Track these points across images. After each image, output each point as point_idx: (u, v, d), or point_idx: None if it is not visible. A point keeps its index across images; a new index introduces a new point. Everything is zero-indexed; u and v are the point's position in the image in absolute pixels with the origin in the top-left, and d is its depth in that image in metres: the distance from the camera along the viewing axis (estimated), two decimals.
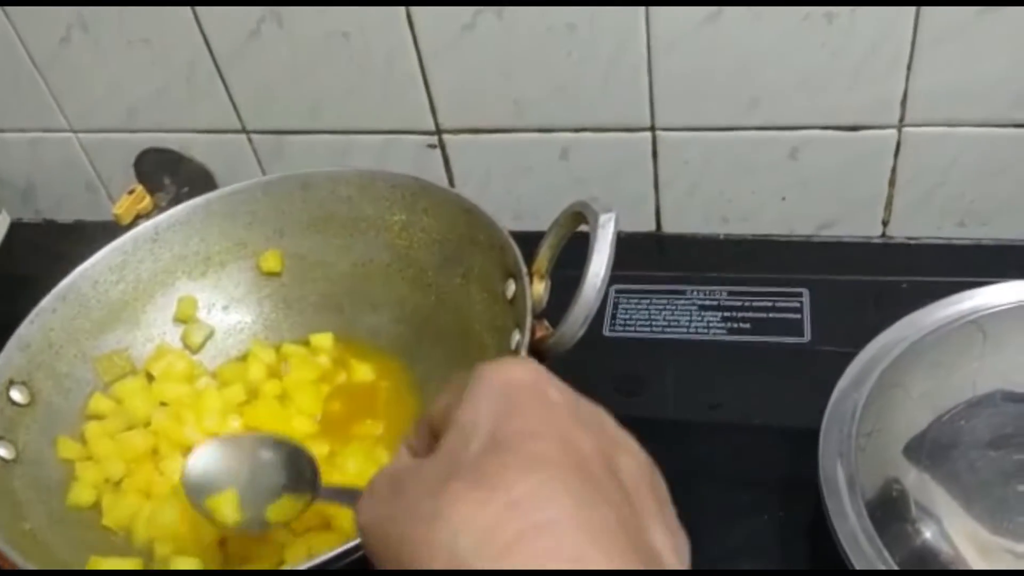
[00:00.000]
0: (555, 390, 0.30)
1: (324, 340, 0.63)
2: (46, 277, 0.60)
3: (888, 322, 0.58)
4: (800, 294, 0.68)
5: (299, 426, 0.58)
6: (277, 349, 0.63)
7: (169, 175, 0.82)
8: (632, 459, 0.30)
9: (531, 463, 0.27)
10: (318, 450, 0.54)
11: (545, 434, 0.28)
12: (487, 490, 0.26)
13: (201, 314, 0.63)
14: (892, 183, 0.69)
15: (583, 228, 0.51)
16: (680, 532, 0.31)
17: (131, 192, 0.79)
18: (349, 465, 0.55)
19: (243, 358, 0.64)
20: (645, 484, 0.30)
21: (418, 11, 0.67)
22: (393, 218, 0.62)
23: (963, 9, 0.59)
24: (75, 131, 0.82)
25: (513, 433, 0.28)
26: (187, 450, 0.55)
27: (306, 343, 0.63)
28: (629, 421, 0.62)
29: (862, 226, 0.72)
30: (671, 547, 0.29)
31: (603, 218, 0.48)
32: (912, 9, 0.60)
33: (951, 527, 0.50)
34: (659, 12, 0.63)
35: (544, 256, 0.53)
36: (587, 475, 0.27)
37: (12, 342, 0.55)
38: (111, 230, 0.66)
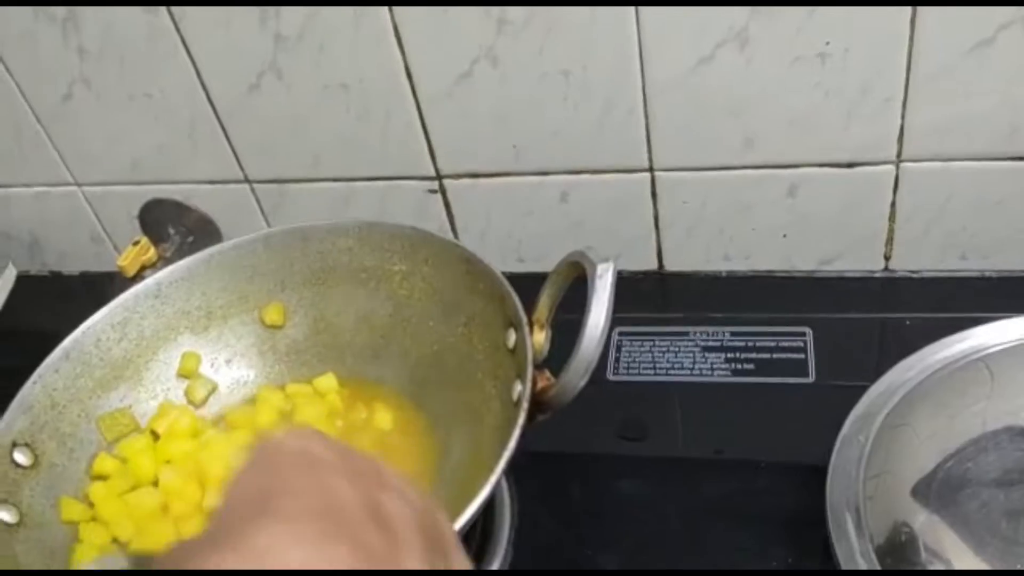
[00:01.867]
0: (323, 448, 0.33)
1: (327, 381, 0.63)
2: (53, 330, 0.60)
3: (893, 359, 0.58)
4: (804, 333, 0.68)
5: None
6: (283, 389, 0.64)
7: (173, 225, 0.82)
8: (403, 503, 0.33)
9: (280, 518, 0.30)
10: None
11: (302, 491, 0.31)
12: (241, 550, 0.29)
13: (204, 368, 0.63)
14: (892, 218, 0.69)
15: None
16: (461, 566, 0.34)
17: (136, 243, 0.79)
18: None
19: (251, 402, 0.64)
20: (413, 525, 0.32)
21: (416, 61, 0.67)
22: (394, 268, 0.62)
23: (955, 46, 0.60)
24: (80, 184, 0.83)
25: (271, 496, 0.31)
26: (199, 507, 0.55)
27: (309, 384, 0.63)
28: (635, 464, 0.62)
29: (864, 261, 0.72)
30: None
31: (601, 268, 0.48)
32: (905, 47, 0.60)
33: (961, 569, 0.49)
34: (653, 56, 0.64)
35: (544, 305, 0.53)
36: (339, 520, 0.31)
37: (15, 403, 0.55)
38: (117, 282, 0.67)
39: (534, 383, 0.50)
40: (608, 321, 0.48)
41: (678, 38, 0.62)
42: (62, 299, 0.82)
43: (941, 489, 0.51)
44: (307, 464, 0.33)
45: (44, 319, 0.64)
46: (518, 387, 0.50)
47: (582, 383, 0.49)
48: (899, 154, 0.66)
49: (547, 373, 0.51)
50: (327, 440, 0.34)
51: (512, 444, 0.47)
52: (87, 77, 0.74)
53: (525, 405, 0.48)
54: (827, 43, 0.61)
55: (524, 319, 0.52)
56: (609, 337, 0.70)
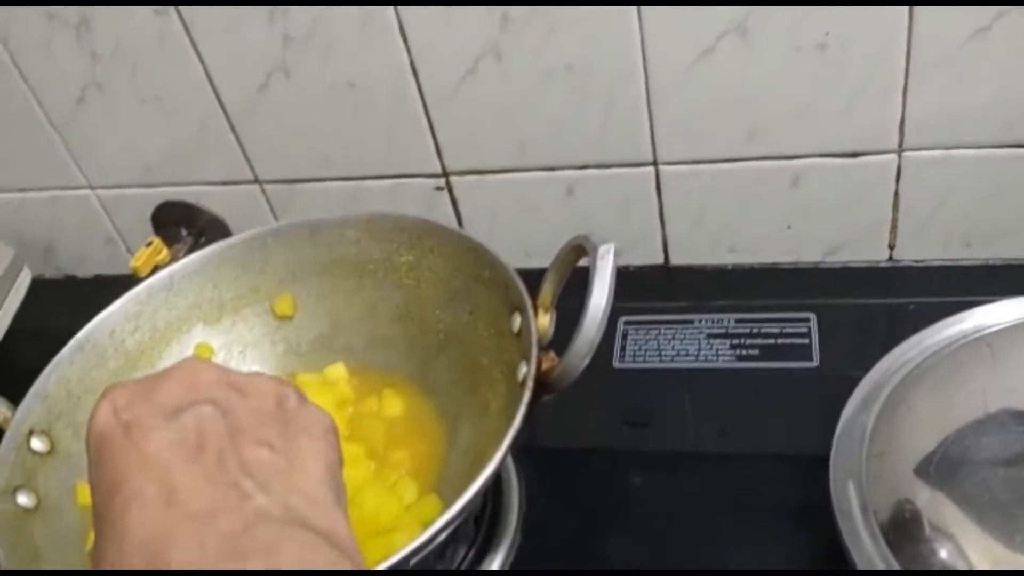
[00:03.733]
0: (125, 412, 0.34)
1: (337, 370, 0.64)
2: (68, 332, 0.61)
3: (896, 343, 0.58)
4: (808, 319, 0.68)
5: None
6: (293, 379, 0.64)
7: (185, 227, 0.83)
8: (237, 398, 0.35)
9: (125, 502, 0.31)
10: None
11: (128, 473, 0.32)
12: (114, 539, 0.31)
13: (217, 359, 0.64)
14: (895, 207, 0.70)
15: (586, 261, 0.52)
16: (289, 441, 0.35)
17: (149, 245, 0.81)
18: (367, 502, 0.55)
19: None
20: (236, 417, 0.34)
21: (421, 59, 0.69)
22: (400, 259, 0.63)
23: (954, 33, 0.60)
24: (93, 188, 0.84)
25: (105, 491, 0.32)
26: None
27: (319, 373, 0.64)
28: (641, 449, 0.63)
29: (869, 250, 0.73)
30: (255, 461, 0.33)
31: (602, 249, 0.48)
32: (904, 37, 0.61)
33: (966, 545, 0.49)
34: (655, 51, 0.65)
35: (548, 290, 0.54)
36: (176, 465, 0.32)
37: (31, 393, 0.56)
38: (130, 283, 0.68)
39: (539, 363, 0.50)
40: (610, 301, 0.48)
41: (680, 30, 0.63)
42: (76, 302, 0.83)
43: (943, 467, 0.51)
44: (120, 447, 0.33)
45: (59, 321, 0.65)
46: (523, 368, 0.51)
47: (585, 362, 0.49)
48: (901, 143, 0.66)
49: (551, 354, 0.52)
50: (124, 391, 0.35)
51: (518, 422, 0.47)
52: (99, 81, 0.76)
53: (530, 384, 0.49)
54: (826, 33, 0.62)
55: (528, 302, 0.53)
56: (614, 326, 0.71)
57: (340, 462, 0.36)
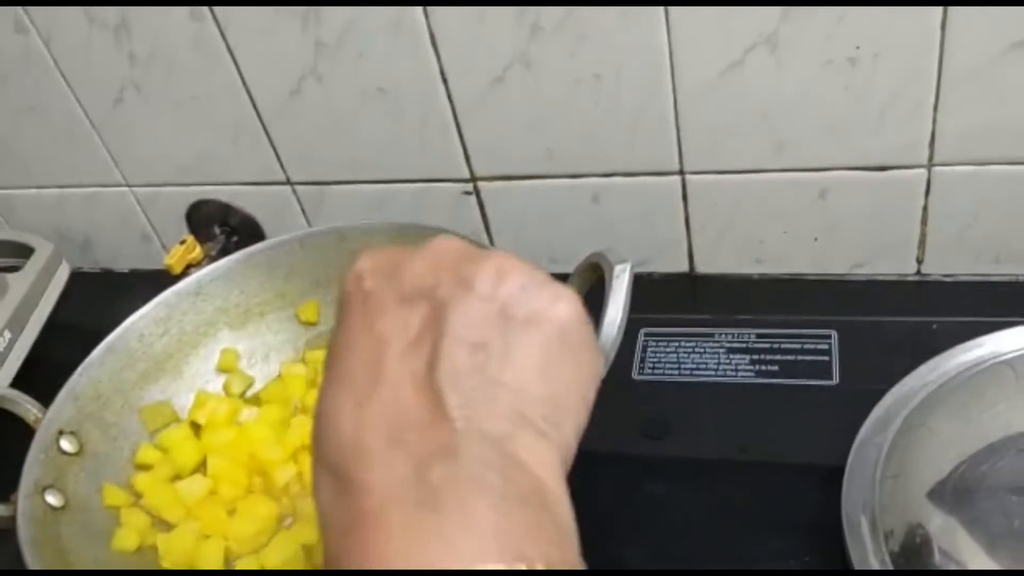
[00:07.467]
0: (369, 281, 0.34)
1: None
2: (104, 325, 0.62)
3: (918, 363, 0.58)
4: (829, 336, 0.68)
5: None
6: (302, 359, 0.65)
7: (219, 225, 0.85)
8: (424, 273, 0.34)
9: (337, 380, 0.33)
10: None
11: (349, 349, 0.33)
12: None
13: (242, 364, 0.66)
14: (924, 222, 0.69)
15: None
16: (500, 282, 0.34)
17: (183, 242, 0.82)
18: None
19: (278, 379, 0.66)
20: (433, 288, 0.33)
21: (451, 66, 0.69)
22: None
23: (988, 48, 0.59)
24: (130, 186, 0.86)
25: (332, 352, 0.34)
26: (247, 489, 0.58)
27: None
28: (658, 461, 0.63)
29: (896, 265, 0.72)
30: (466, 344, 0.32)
31: (617, 268, 0.49)
32: (936, 51, 0.60)
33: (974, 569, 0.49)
34: (683, 61, 0.64)
35: None
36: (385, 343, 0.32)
37: (62, 394, 0.58)
38: (164, 279, 0.69)
39: None
40: (624, 320, 0.48)
41: (708, 42, 0.63)
42: (113, 295, 0.85)
43: (957, 492, 0.51)
44: (351, 311, 0.34)
45: (96, 314, 0.67)
46: None
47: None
48: (931, 158, 0.65)
49: None
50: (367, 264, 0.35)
51: None
52: (137, 82, 0.77)
53: None
54: (857, 47, 0.61)
55: None
56: (635, 338, 0.71)
57: (578, 351, 0.34)
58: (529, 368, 0.32)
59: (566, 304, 0.34)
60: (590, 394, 0.35)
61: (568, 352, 0.34)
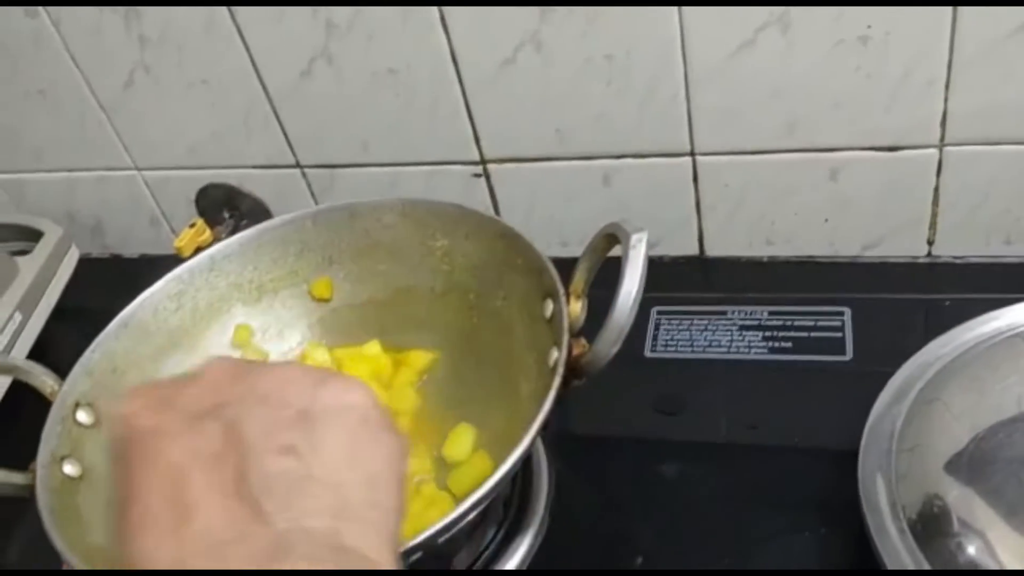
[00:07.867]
0: (149, 417, 0.33)
1: (372, 347, 0.64)
2: (113, 308, 0.62)
3: (931, 339, 0.58)
4: (842, 313, 0.68)
5: None
6: (330, 352, 0.65)
7: (228, 209, 0.85)
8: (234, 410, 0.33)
9: (141, 520, 0.31)
10: None
11: (145, 487, 0.31)
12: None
13: (256, 339, 0.66)
14: (935, 202, 0.69)
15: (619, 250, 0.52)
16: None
17: (192, 226, 0.82)
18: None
19: (300, 359, 0.66)
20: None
21: (461, 47, 0.69)
22: (436, 244, 0.64)
23: (999, 27, 0.60)
24: (139, 169, 0.86)
25: (123, 498, 0.32)
26: None
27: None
28: (671, 439, 0.63)
29: (907, 246, 0.72)
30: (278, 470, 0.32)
31: (634, 238, 0.49)
32: (947, 30, 0.60)
33: (995, 541, 0.49)
34: (694, 42, 0.65)
35: (580, 277, 0.54)
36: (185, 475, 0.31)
37: (78, 367, 0.58)
38: (173, 263, 0.69)
39: (570, 349, 0.51)
40: (641, 288, 0.49)
41: (720, 22, 0.63)
42: (122, 279, 0.85)
43: (973, 463, 0.50)
44: (139, 458, 0.32)
45: (105, 298, 0.67)
46: (554, 353, 0.52)
47: (615, 349, 0.50)
48: (942, 138, 0.66)
49: (583, 340, 0.52)
50: (153, 397, 0.34)
51: (548, 405, 0.48)
52: (147, 65, 0.77)
53: (561, 369, 0.49)
54: (868, 26, 0.61)
55: (561, 289, 0.53)
56: (647, 315, 0.71)
57: (380, 432, 0.35)
58: (339, 458, 0.33)
59: (359, 391, 0.35)
60: (403, 467, 0.35)
61: (371, 434, 0.34)
